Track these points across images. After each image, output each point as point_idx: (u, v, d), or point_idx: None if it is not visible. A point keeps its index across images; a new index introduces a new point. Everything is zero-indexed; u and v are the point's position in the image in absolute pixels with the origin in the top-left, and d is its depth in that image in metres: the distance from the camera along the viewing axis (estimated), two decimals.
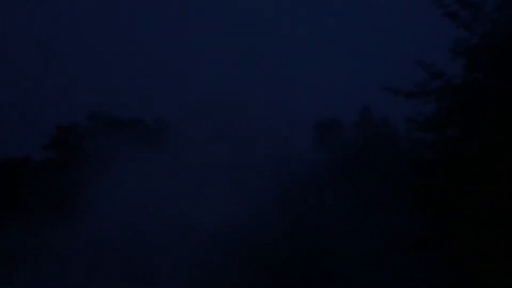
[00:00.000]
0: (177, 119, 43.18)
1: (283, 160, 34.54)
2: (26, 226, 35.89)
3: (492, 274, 18.52)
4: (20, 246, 35.04)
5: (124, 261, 32.81)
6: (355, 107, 40.51)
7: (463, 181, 18.77)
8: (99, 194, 35.19)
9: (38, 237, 34.98)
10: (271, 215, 32.99)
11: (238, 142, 36.60)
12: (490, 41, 18.69)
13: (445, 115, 19.31)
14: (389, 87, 19.86)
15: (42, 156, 43.69)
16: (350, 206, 32.31)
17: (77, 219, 35.17)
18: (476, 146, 18.72)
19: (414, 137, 20.29)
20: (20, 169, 41.65)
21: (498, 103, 18.36)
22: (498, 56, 18.56)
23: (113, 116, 43.68)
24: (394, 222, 29.79)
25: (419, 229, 20.39)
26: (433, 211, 19.95)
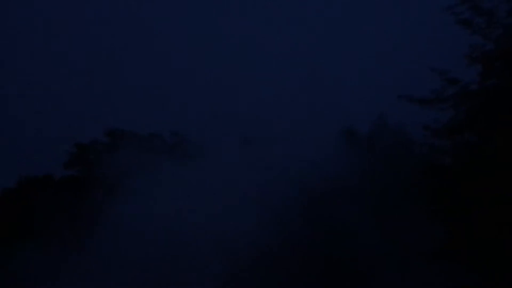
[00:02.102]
0: (194, 132, 43.46)
1: (301, 170, 34.52)
2: (48, 244, 36.20)
3: None
4: (42, 265, 35.30)
5: (146, 276, 32.90)
6: (370, 115, 40.48)
7: (481, 187, 18.70)
8: (119, 210, 35.38)
9: (60, 254, 35.21)
10: (290, 225, 32.96)
11: (256, 153, 36.67)
12: (504, 46, 18.69)
13: (461, 121, 19.30)
14: (404, 94, 19.98)
15: (62, 174, 44.18)
16: (369, 214, 32.19)
17: (98, 236, 35.39)
18: (494, 151, 18.67)
19: (431, 144, 20.30)
20: (42, 187, 42.10)
21: None
22: None
23: (130, 131, 44.05)
24: (414, 230, 29.63)
25: (440, 236, 20.33)
26: (453, 217, 19.89)
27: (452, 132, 19.77)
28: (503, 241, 18.40)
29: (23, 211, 40.78)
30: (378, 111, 39.61)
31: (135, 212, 34.95)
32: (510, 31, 18.70)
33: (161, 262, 32.69)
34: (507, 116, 18.50)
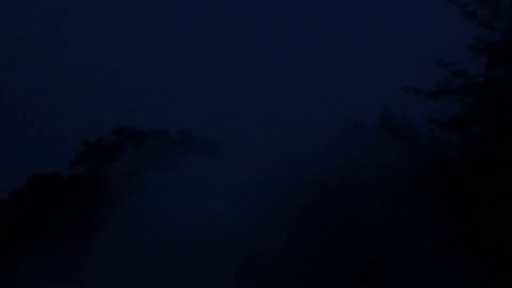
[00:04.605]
0: (200, 129, 43.50)
1: (307, 162, 34.47)
2: (56, 242, 36.33)
3: None
4: (50, 262, 35.43)
5: (154, 270, 32.97)
6: (376, 108, 40.42)
7: (489, 179, 18.55)
8: (126, 207, 35.45)
9: (68, 253, 35.34)
10: (299, 218, 32.93)
11: (263, 147, 36.62)
12: (510, 38, 18.50)
13: (468, 114, 19.12)
14: (410, 87, 19.81)
15: (70, 172, 44.30)
16: (374, 207, 32.10)
17: (106, 233, 35.50)
18: (501, 143, 18.51)
19: (437, 137, 20.13)
20: (50, 185, 42.25)
21: None
22: None
23: (136, 129, 44.22)
24: (421, 223, 29.51)
25: (448, 230, 20.21)
26: (461, 210, 19.73)
27: (459, 125, 19.56)
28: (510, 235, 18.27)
29: (32, 210, 40.90)
30: (384, 104, 39.47)
31: (143, 209, 35.02)
32: None
33: (170, 258, 32.72)
34: None
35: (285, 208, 32.92)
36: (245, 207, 33.53)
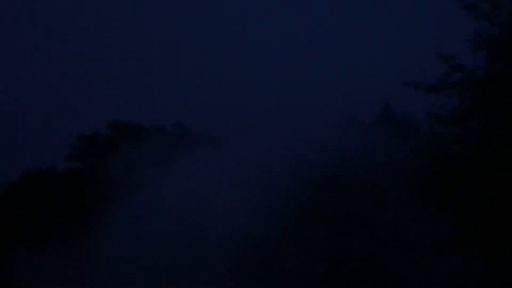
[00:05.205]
0: (197, 123, 43.38)
1: (307, 159, 34.34)
2: (51, 239, 36.24)
3: None
4: (45, 259, 35.33)
5: (149, 268, 32.85)
6: (376, 105, 40.29)
7: (489, 177, 18.37)
8: (122, 202, 35.33)
9: (68, 250, 35.25)
10: (293, 216, 32.80)
11: (261, 143, 36.51)
12: (510, 32, 18.30)
13: (467, 108, 18.94)
14: (410, 81, 19.65)
15: (65, 166, 44.09)
16: (375, 204, 31.96)
17: (102, 228, 35.40)
18: (501, 138, 18.32)
19: (436, 132, 19.99)
20: (45, 180, 42.05)
21: None
22: None
23: (133, 124, 43.98)
24: (422, 221, 29.39)
25: (448, 228, 20.10)
26: (461, 208, 19.58)
27: (458, 119, 19.38)
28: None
29: (30, 209, 40.76)
30: (384, 100, 39.33)
31: (140, 206, 34.87)
32: None
33: (170, 257, 32.57)
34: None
35: (285, 206, 32.80)
36: (244, 204, 33.39)
